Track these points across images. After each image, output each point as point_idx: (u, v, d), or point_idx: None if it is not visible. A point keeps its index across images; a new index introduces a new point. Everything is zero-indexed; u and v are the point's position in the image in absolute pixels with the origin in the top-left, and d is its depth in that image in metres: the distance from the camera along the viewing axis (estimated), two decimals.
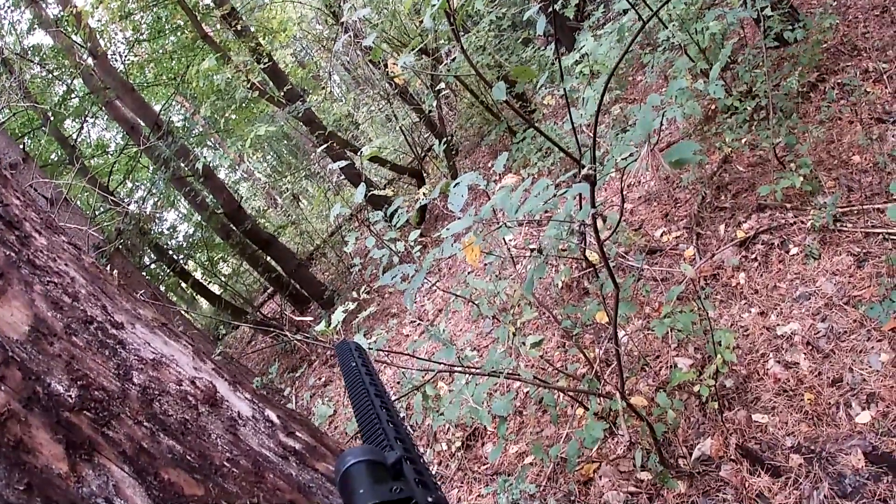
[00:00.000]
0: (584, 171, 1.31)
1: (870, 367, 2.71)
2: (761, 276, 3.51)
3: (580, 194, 1.87)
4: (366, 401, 0.73)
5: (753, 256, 3.64)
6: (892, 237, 3.16)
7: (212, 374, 1.14)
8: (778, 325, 3.17)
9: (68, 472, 0.85)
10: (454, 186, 1.86)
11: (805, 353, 2.95)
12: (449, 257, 6.53)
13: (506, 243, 2.95)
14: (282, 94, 7.38)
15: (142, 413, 0.95)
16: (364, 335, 2.69)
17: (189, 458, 0.95)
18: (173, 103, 11.40)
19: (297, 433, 1.18)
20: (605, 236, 1.71)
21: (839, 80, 4.35)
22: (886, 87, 4.04)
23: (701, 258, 3.84)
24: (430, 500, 0.54)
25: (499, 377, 2.19)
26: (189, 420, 1.00)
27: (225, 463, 0.99)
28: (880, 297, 2.87)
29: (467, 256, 1.70)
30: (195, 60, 8.72)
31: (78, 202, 7.93)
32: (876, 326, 2.83)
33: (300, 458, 1.12)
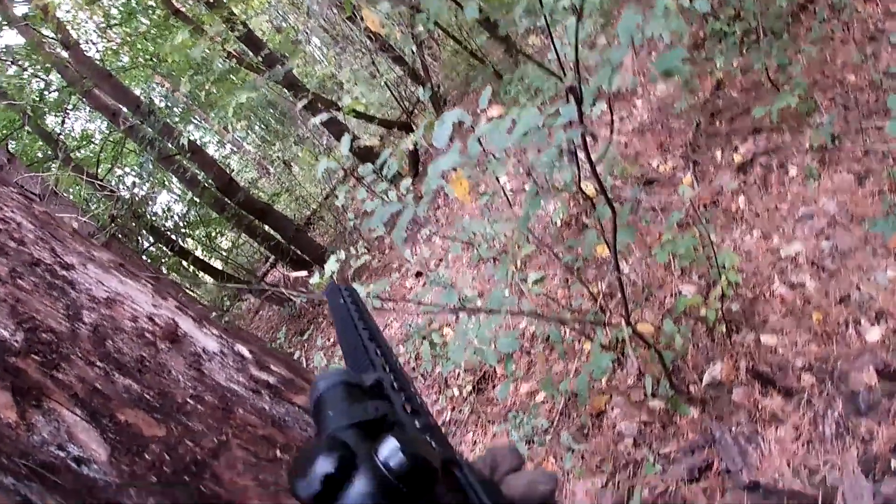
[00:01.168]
0: (566, 84, 1.24)
1: (877, 283, 2.67)
2: (761, 198, 3.46)
3: (570, 121, 1.80)
4: (353, 334, 0.68)
5: (752, 180, 3.58)
6: (892, 153, 3.10)
7: (174, 311, 1.11)
8: (781, 246, 3.13)
9: (17, 420, 0.83)
10: (439, 124, 1.80)
11: (811, 273, 2.92)
12: (445, 204, 6.45)
13: (498, 181, 2.89)
14: (260, 59, 7.21)
15: (94, 353, 0.92)
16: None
17: (147, 396, 0.92)
18: (153, 84, 11.19)
19: (272, 367, 1.15)
20: (597, 159, 1.65)
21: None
22: (878, 5, 3.89)
23: (699, 185, 3.78)
24: (418, 425, 0.50)
25: (500, 313, 2.16)
26: (146, 357, 0.97)
27: (188, 400, 0.95)
28: (883, 214, 2.82)
29: (456, 191, 1.64)
30: (169, 38, 8.49)
31: (71, 196, 7.84)
32: (881, 243, 2.79)
33: (275, 391, 1.09)
